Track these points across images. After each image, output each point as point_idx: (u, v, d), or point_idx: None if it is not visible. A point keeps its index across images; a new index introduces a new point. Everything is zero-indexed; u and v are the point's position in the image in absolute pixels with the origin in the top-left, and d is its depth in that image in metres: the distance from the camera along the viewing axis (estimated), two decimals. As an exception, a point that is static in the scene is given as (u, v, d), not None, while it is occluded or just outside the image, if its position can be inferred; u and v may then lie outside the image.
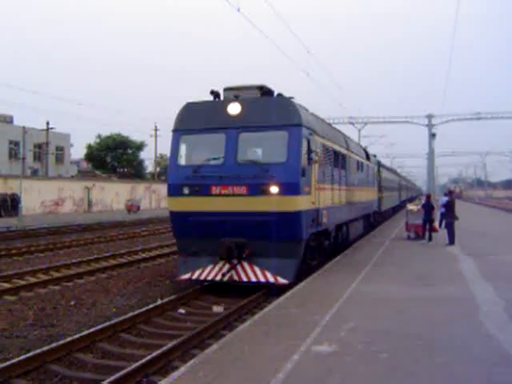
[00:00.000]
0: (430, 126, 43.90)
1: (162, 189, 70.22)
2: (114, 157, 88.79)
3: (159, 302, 13.16)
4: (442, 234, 23.71)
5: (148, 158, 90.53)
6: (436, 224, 24.95)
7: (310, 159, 14.43)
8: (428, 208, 23.96)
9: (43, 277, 17.33)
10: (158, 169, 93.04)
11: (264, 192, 13.33)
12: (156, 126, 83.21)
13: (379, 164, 37.03)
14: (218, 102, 14.71)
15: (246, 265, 13.77)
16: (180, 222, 14.46)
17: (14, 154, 65.55)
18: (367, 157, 29.35)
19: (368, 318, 9.91)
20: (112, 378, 7.90)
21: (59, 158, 74.73)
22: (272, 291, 13.64)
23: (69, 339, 9.89)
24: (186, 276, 14.30)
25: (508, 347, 8.06)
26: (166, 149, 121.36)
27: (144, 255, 22.77)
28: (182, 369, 7.29)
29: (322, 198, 15.94)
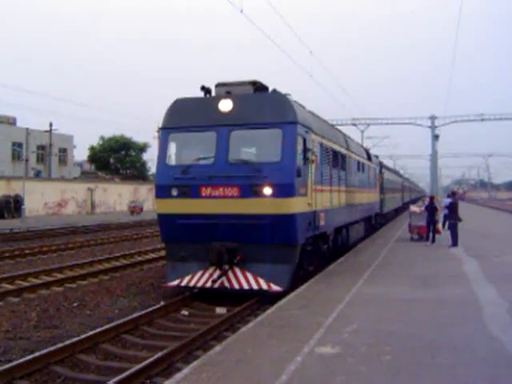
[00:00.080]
0: (433, 127, 43.89)
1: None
2: (116, 158, 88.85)
3: (162, 303, 13.14)
4: (445, 235, 23.67)
5: (151, 159, 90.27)
6: (439, 226, 24.91)
7: (306, 159, 13.77)
8: (431, 210, 23.92)
9: (46, 278, 17.36)
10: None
11: (256, 193, 12.69)
12: (159, 128, 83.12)
13: (381, 165, 36.61)
14: (208, 99, 14.04)
15: (237, 271, 13.12)
16: (168, 225, 13.80)
17: (17, 155, 65.62)
18: (368, 157, 28.82)
19: (371, 320, 9.89)
20: (115, 379, 7.89)
21: (62, 160, 74.84)
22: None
23: (72, 340, 9.89)
24: (175, 282, 13.61)
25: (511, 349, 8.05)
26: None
27: (147, 257, 22.77)
28: (185, 370, 7.29)
29: (320, 199, 15.27)
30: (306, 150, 13.78)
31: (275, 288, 12.73)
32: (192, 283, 13.41)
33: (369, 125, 52.55)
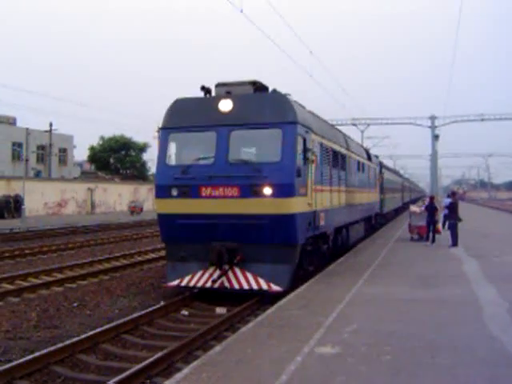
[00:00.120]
0: (433, 127, 43.89)
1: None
2: (117, 158, 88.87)
3: (162, 303, 13.14)
4: (445, 235, 23.67)
5: (151, 159, 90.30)
6: (439, 225, 24.92)
7: (306, 159, 13.73)
8: (431, 210, 23.92)
9: (46, 278, 17.36)
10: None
11: (256, 193, 12.66)
12: (159, 127, 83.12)
13: (381, 165, 36.54)
14: (208, 99, 14.01)
15: (237, 271, 13.09)
16: (168, 225, 13.77)
17: (17, 155, 65.64)
18: (368, 157, 28.77)
19: (371, 320, 9.89)
20: (115, 379, 7.89)
21: (62, 160, 74.86)
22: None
23: (72, 340, 9.89)
24: (175, 282, 13.58)
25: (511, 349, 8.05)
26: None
27: (147, 257, 22.77)
28: (185, 370, 7.29)
29: (320, 199, 15.22)
30: (306, 149, 13.74)
31: (275, 288, 12.70)
32: (192, 283, 13.38)
33: (369, 125, 52.61)
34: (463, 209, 29.80)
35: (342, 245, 19.68)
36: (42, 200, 54.17)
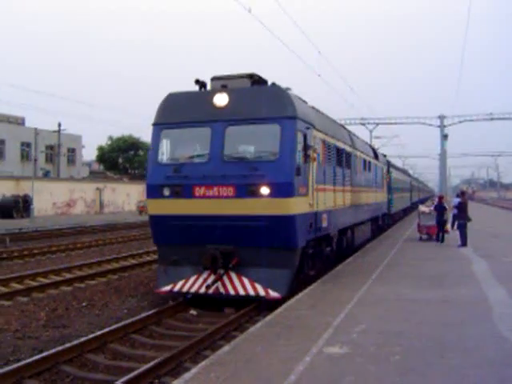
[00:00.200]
0: (442, 126, 43.69)
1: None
2: (125, 158, 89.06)
3: (171, 303, 13.13)
4: (454, 235, 23.60)
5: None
6: (448, 225, 24.85)
7: (306, 156, 12.96)
8: (440, 209, 23.86)
9: (55, 278, 17.40)
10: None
11: (253, 193, 11.95)
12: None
13: (389, 164, 35.87)
14: (203, 93, 13.31)
15: (233, 276, 12.39)
16: (160, 227, 13.10)
17: (25, 155, 65.94)
18: (375, 156, 27.98)
19: (380, 320, 9.87)
20: (124, 379, 7.90)
21: (71, 160, 75.13)
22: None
23: (81, 340, 9.92)
24: (167, 288, 12.87)
25: (521, 349, 8.01)
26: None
27: (155, 256, 22.64)
28: (194, 370, 7.29)
29: (322, 199, 14.49)
30: (306, 147, 13.03)
31: (273, 294, 12.04)
32: (185, 289, 12.72)
33: (377, 124, 52.35)
34: (472, 208, 29.66)
35: (347, 247, 19.03)
36: (50, 200, 54.35)
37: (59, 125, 67.82)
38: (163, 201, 12.77)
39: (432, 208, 25.37)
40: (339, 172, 17.21)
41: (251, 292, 12.18)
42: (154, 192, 12.96)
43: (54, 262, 21.44)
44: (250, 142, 13.18)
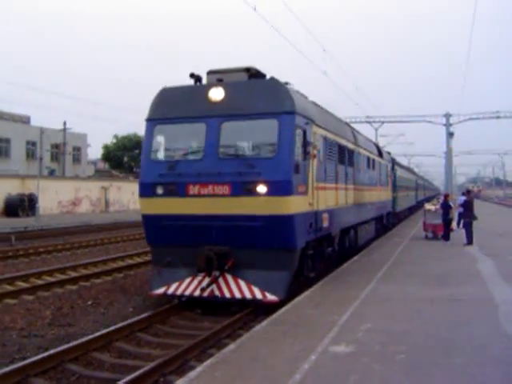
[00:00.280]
0: (447, 125, 43.59)
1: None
2: (130, 157, 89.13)
3: (176, 301, 13.11)
4: (459, 233, 23.54)
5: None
6: (453, 224, 24.81)
7: (306, 153, 12.48)
8: (446, 208, 23.82)
9: (60, 276, 17.42)
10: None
11: (249, 192, 11.49)
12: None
13: (393, 162, 35.48)
14: (198, 87, 12.87)
15: (229, 278, 11.93)
16: (153, 227, 12.66)
17: (31, 154, 66.02)
18: (380, 154, 27.53)
19: (385, 319, 9.85)
20: (129, 377, 7.91)
21: (76, 158, 75.18)
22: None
23: (86, 338, 9.94)
24: (161, 290, 12.40)
25: (528, 348, 7.98)
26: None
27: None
28: (199, 368, 7.29)
29: (323, 198, 13.99)
30: (306, 143, 12.54)
31: (270, 298, 11.56)
32: (179, 291, 12.29)
33: (383, 122, 52.25)
34: (478, 207, 29.57)
35: (349, 247, 18.58)
36: (56, 198, 54.41)
37: (64, 123, 67.94)
38: (156, 200, 12.39)
39: (438, 206, 25.32)
40: (341, 170, 16.72)
41: (248, 295, 11.74)
42: (146, 190, 12.55)
43: (60, 260, 21.48)
44: (247, 138, 12.66)
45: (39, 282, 16.50)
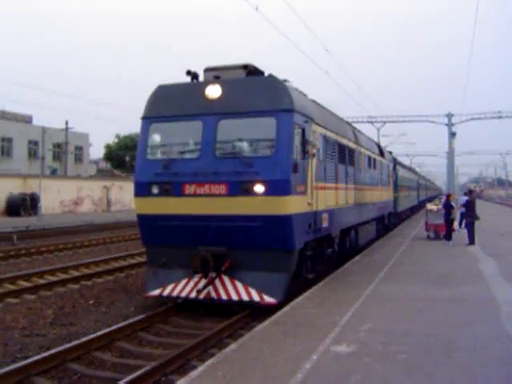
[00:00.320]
0: (449, 125, 43.58)
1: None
2: (132, 156, 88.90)
3: (178, 300, 13.08)
4: (461, 233, 23.53)
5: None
6: (455, 224, 24.80)
7: (305, 152, 12.24)
8: (448, 208, 23.80)
9: (62, 276, 17.43)
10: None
11: (246, 191, 11.24)
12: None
13: (395, 161, 35.21)
14: (194, 85, 12.59)
15: (226, 279, 11.70)
16: (148, 227, 12.45)
17: (33, 153, 66.06)
18: (381, 153, 27.23)
19: (387, 319, 9.85)
20: (130, 377, 7.92)
21: (78, 158, 75.21)
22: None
23: (88, 338, 9.95)
24: (156, 292, 12.22)
25: (529, 349, 7.97)
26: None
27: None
28: (201, 368, 7.29)
29: (323, 198, 13.73)
30: (305, 142, 12.29)
31: (268, 300, 11.33)
32: (175, 293, 12.07)
33: (385, 122, 52.31)
34: (480, 207, 29.54)
35: (350, 247, 18.34)
36: (58, 198, 54.41)
37: (66, 123, 68.00)
38: (151, 199, 12.19)
39: (441, 206, 25.30)
40: (341, 169, 16.46)
41: (245, 297, 11.52)
42: (141, 190, 12.37)
43: (62, 259, 21.50)
44: (244, 137, 12.24)
45: (41, 281, 16.52)
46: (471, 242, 21.97)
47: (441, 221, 24.26)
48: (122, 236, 31.06)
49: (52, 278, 16.95)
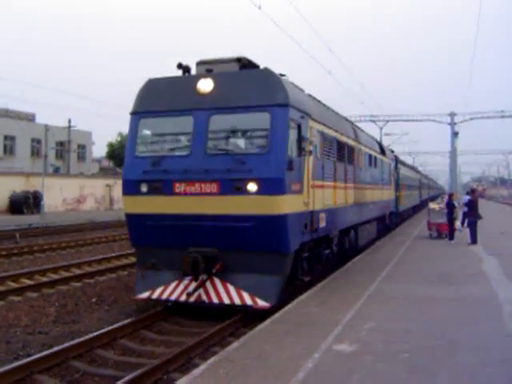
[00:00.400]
0: (452, 124, 43.58)
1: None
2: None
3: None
4: (464, 233, 23.51)
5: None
6: (457, 223, 24.78)
7: (301, 149, 11.75)
8: (450, 207, 23.78)
9: (65, 274, 17.45)
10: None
11: (239, 190, 10.72)
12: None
13: (397, 160, 34.57)
14: (185, 78, 12.11)
15: (217, 282, 11.21)
16: (137, 227, 11.94)
17: (36, 151, 66.18)
18: (382, 151, 26.64)
19: (389, 318, 9.85)
20: (132, 375, 7.93)
21: (81, 156, 75.35)
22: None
23: (90, 336, 9.96)
24: (145, 295, 11.77)
25: (531, 348, 7.97)
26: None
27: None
28: (203, 366, 7.30)
29: (320, 197, 13.20)
30: (300, 138, 11.82)
31: (261, 304, 10.85)
32: (164, 296, 11.61)
33: (387, 121, 52.40)
34: (482, 206, 29.53)
35: (349, 248, 17.84)
36: (60, 196, 54.51)
37: (69, 121, 68.14)
38: (140, 198, 11.66)
39: (443, 205, 25.28)
40: (340, 167, 15.88)
41: (237, 301, 11.05)
42: (130, 188, 11.82)
43: (64, 257, 21.51)
44: (237, 133, 11.71)
45: (44, 279, 16.53)
46: (473, 241, 21.96)
47: (443, 220, 24.25)
48: (124, 234, 30.93)
49: (55, 276, 16.95)
